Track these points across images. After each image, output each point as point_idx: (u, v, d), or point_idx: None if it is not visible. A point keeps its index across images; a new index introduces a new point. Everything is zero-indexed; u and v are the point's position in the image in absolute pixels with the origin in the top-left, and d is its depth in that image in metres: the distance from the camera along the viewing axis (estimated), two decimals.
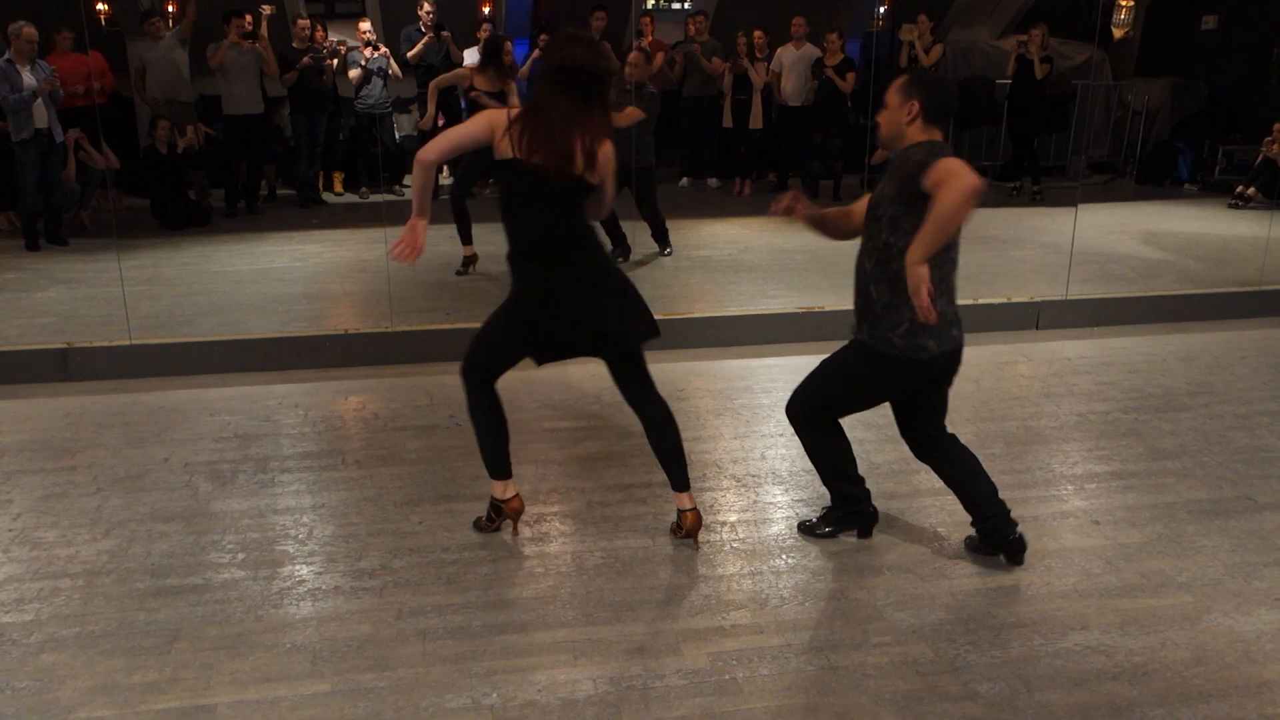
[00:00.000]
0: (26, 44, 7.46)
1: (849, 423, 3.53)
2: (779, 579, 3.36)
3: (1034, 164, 10.66)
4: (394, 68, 9.97)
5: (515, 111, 3.24)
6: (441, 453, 4.36)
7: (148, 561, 3.46)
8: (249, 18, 9.10)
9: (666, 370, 5.37)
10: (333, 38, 9.96)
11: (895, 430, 3.55)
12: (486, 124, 3.20)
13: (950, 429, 3.50)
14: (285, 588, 3.30)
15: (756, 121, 10.61)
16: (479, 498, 3.80)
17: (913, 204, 3.06)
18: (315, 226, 8.94)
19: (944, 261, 3.13)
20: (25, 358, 5.38)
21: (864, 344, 3.30)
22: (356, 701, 2.74)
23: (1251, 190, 9.99)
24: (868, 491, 3.58)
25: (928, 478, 3.88)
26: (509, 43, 7.06)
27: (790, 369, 5.32)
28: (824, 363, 3.45)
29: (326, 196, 10.26)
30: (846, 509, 3.58)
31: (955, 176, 2.91)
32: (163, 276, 7.07)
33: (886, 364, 3.26)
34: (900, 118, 3.16)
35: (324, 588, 3.30)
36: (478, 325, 3.50)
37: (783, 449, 4.39)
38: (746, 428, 4.66)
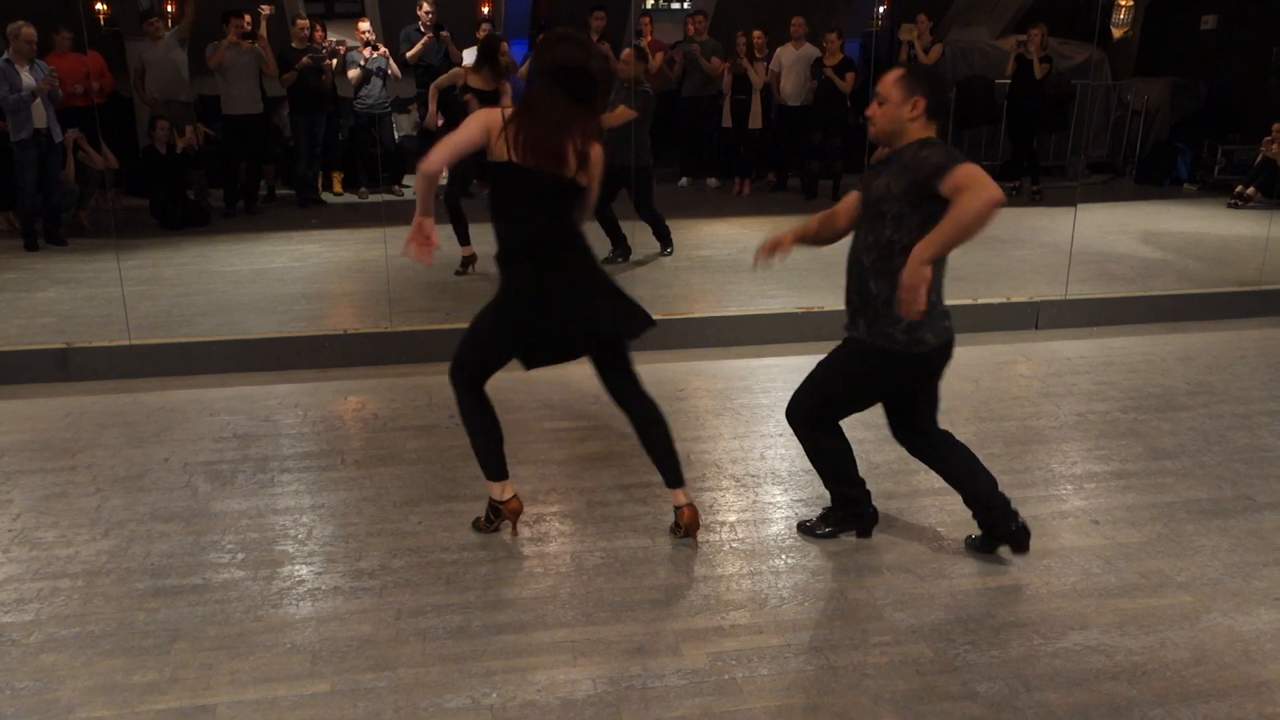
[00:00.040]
0: (25, 44, 7.45)
1: (849, 423, 3.52)
2: (778, 579, 3.36)
3: (1033, 164, 10.66)
4: (393, 68, 9.97)
5: (509, 112, 3.24)
6: (441, 453, 4.36)
7: (147, 561, 3.46)
8: (248, 18, 9.10)
9: (666, 370, 5.37)
10: (332, 38, 9.96)
11: None
12: (482, 126, 3.19)
13: (949, 429, 3.50)
14: (285, 588, 3.30)
15: (756, 121, 10.60)
16: (478, 498, 3.80)
17: (919, 203, 3.04)
18: (314, 226, 8.94)
19: (940, 260, 3.13)
20: (25, 358, 5.39)
21: (861, 341, 3.28)
22: (356, 701, 2.74)
23: (1251, 190, 9.99)
24: (868, 493, 3.58)
25: (928, 478, 3.88)
26: (505, 43, 7.07)
27: (790, 369, 5.32)
28: (821, 364, 3.44)
29: (326, 197, 10.25)
30: (846, 510, 3.58)
31: (981, 186, 2.90)
32: (162, 276, 7.07)
33: (886, 360, 3.24)
34: (903, 113, 3.12)
35: (324, 588, 3.30)
36: None
37: (782, 449, 4.39)
38: (746, 428, 4.66)
